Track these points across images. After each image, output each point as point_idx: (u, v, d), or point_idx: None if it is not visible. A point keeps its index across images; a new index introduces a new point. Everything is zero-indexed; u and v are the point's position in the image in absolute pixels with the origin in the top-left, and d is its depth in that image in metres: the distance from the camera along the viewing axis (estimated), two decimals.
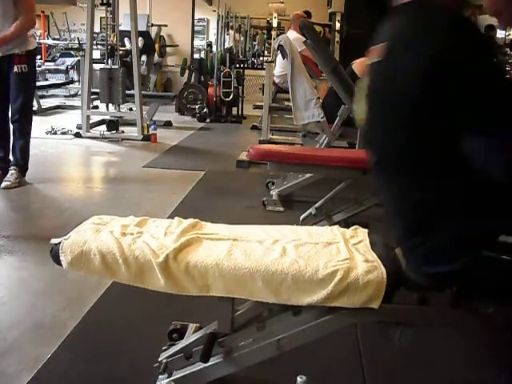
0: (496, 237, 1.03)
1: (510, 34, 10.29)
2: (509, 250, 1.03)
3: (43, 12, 10.93)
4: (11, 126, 3.72)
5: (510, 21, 1.94)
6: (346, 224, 2.36)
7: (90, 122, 5.96)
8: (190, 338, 1.37)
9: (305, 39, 3.79)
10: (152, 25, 9.69)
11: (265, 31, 12.88)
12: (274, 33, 10.70)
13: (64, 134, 5.86)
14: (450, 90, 0.99)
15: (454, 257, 1.05)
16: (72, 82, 9.71)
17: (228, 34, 9.08)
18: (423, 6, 1.06)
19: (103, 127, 5.95)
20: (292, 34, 5.14)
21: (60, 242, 1.23)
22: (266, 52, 13.27)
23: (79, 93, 7.68)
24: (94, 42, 6.81)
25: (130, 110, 7.05)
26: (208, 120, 7.52)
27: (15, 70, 3.56)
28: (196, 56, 9.26)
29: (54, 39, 11.36)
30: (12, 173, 3.71)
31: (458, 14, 1.03)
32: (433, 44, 1.00)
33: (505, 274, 1.05)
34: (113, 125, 5.96)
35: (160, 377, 1.33)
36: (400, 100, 1.05)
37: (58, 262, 1.22)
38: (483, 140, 1.01)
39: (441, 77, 0.99)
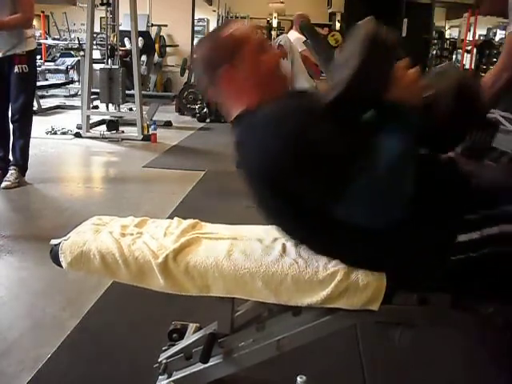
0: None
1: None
2: (473, 246, 1.04)
3: (43, 12, 10.93)
4: (11, 126, 3.72)
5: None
6: None
7: (90, 122, 5.96)
8: (190, 338, 1.37)
9: (305, 39, 3.79)
10: (152, 25, 9.69)
11: (265, 31, 12.87)
12: (273, 33, 10.69)
13: (64, 133, 5.86)
14: (288, 187, 1.07)
15: (427, 274, 1.07)
16: (72, 82, 9.71)
17: None
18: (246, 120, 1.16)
19: (103, 127, 5.95)
20: (293, 35, 5.14)
21: (59, 243, 1.23)
22: None
23: (79, 93, 7.69)
24: (94, 42, 6.81)
25: (130, 109, 7.05)
26: (208, 120, 7.51)
27: (16, 70, 3.56)
28: None
29: (54, 39, 11.35)
30: (12, 173, 3.71)
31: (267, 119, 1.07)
32: (256, 160, 1.08)
33: (490, 268, 1.06)
34: (113, 125, 5.97)
35: (160, 377, 1.33)
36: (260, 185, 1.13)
37: (58, 263, 1.22)
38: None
39: (274, 180, 1.07)
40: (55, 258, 1.22)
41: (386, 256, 1.09)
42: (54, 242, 1.25)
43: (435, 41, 7.10)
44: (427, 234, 1.06)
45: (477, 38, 9.43)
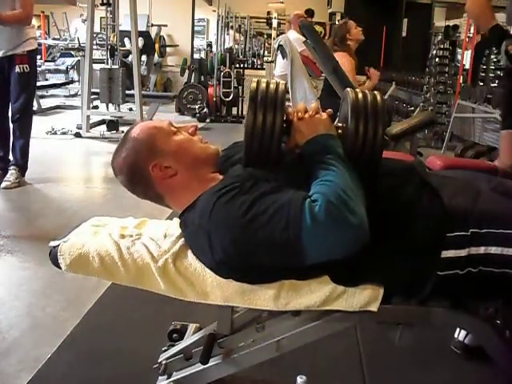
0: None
1: None
2: (461, 264, 1.04)
3: (43, 12, 10.93)
4: (11, 126, 3.72)
5: (484, 26, 2.03)
6: None
7: (90, 122, 5.96)
8: (190, 338, 1.37)
9: (305, 39, 3.78)
10: (152, 25, 9.69)
11: (265, 36, 12.93)
12: (274, 32, 10.69)
13: (64, 133, 5.85)
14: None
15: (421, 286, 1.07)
16: (72, 82, 9.71)
17: (228, 34, 9.08)
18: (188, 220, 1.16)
19: (103, 127, 5.94)
20: (292, 34, 5.13)
21: (58, 245, 1.22)
22: (265, 52, 13.27)
23: (79, 93, 7.68)
24: (94, 42, 6.81)
25: (130, 110, 7.04)
26: (208, 120, 7.52)
27: (17, 70, 3.57)
28: (196, 56, 9.26)
29: (54, 39, 11.35)
30: (12, 173, 3.71)
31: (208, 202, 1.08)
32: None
33: (475, 286, 1.07)
34: (113, 125, 5.96)
35: (160, 378, 1.33)
36: None
37: (57, 265, 1.22)
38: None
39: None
40: (54, 259, 1.22)
41: (372, 272, 1.09)
42: (52, 243, 1.24)
43: (439, 37, 7.09)
44: (410, 252, 1.06)
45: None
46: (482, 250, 1.03)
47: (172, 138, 1.19)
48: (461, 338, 1.74)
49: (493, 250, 1.03)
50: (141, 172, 1.18)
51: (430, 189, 1.13)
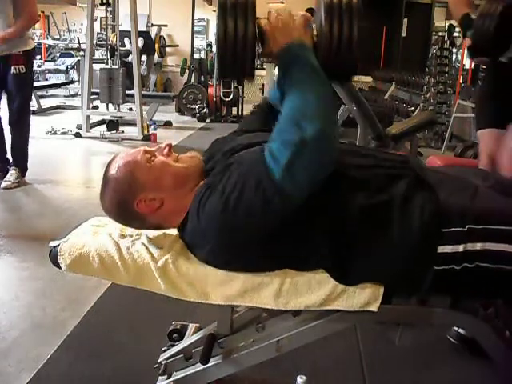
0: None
1: None
2: (457, 259, 1.04)
3: (43, 12, 10.90)
4: (8, 127, 3.72)
5: (456, 14, 1.94)
6: None
7: (90, 122, 5.96)
8: (190, 338, 1.37)
9: None
10: (152, 25, 9.70)
11: None
12: None
13: (64, 134, 5.86)
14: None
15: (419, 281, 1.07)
16: (72, 82, 9.71)
17: None
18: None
19: (103, 127, 5.95)
20: None
21: (58, 245, 1.22)
22: None
23: (79, 93, 7.69)
24: (94, 43, 6.81)
25: (130, 110, 7.05)
26: (208, 120, 7.52)
27: (12, 70, 3.53)
28: (196, 56, 9.25)
29: (54, 39, 11.35)
30: (12, 173, 3.71)
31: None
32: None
33: (472, 282, 1.06)
34: (113, 125, 5.97)
35: (160, 378, 1.33)
36: None
37: (57, 265, 1.22)
38: None
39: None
40: (54, 259, 1.22)
41: (369, 268, 1.09)
42: (52, 243, 1.24)
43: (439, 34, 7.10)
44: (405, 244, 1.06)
45: None
46: (478, 246, 1.03)
47: (149, 168, 1.18)
48: (456, 327, 1.74)
49: (489, 246, 1.03)
50: (129, 210, 1.18)
51: (424, 184, 1.13)
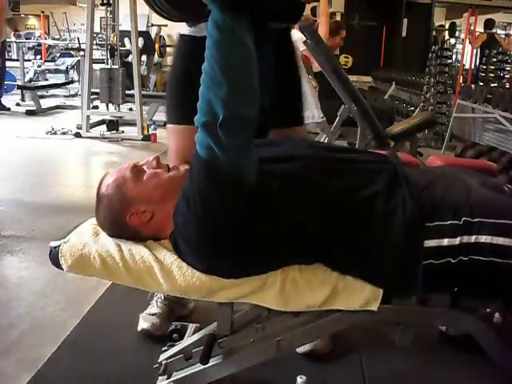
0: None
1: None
2: (453, 252, 1.05)
3: (43, 12, 10.92)
4: None
5: None
6: None
7: (90, 122, 5.96)
8: (190, 338, 1.37)
9: (305, 39, 3.78)
10: (152, 25, 9.69)
11: None
12: None
13: (64, 134, 5.85)
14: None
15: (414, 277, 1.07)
16: (72, 81, 9.70)
17: None
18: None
19: (103, 127, 5.94)
20: (296, 34, 5.11)
21: (59, 245, 1.22)
22: None
23: (79, 93, 7.68)
24: (94, 43, 6.81)
25: (130, 110, 7.04)
26: None
27: None
28: None
29: (53, 39, 11.35)
30: None
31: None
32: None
33: (468, 275, 1.07)
34: (113, 125, 5.96)
35: (160, 378, 1.33)
36: None
37: (58, 265, 1.22)
38: None
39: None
40: (55, 260, 1.22)
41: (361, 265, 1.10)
42: (53, 244, 1.24)
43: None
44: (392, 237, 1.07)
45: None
46: (473, 238, 1.04)
47: (138, 182, 1.20)
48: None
49: (483, 238, 1.04)
50: (123, 225, 1.20)
51: (403, 180, 1.13)
